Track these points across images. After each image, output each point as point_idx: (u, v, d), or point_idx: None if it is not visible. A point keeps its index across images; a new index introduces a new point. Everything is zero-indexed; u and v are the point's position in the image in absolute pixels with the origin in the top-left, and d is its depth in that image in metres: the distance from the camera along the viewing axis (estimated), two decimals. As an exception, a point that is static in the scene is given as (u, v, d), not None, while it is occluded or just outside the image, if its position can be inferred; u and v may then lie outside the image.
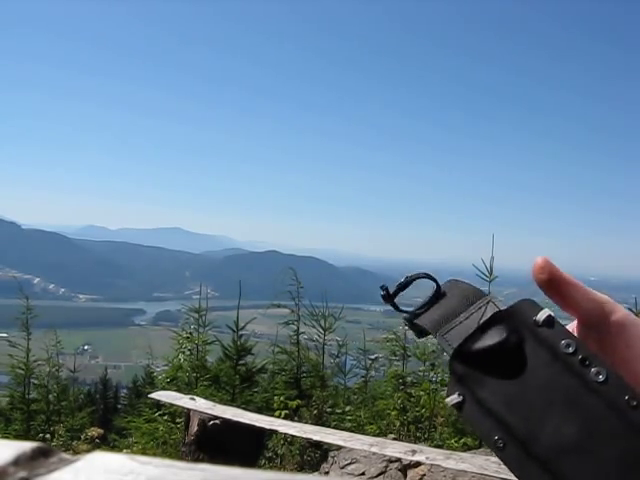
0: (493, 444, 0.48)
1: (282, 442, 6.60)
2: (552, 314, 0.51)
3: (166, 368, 9.10)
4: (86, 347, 69.50)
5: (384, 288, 0.59)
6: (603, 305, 0.52)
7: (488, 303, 0.53)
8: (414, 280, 0.59)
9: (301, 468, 6.28)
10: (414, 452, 3.83)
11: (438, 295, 0.57)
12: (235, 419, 4.87)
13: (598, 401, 0.47)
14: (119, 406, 15.91)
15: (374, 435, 6.13)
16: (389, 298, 0.58)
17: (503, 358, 0.50)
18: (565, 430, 0.47)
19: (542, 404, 0.48)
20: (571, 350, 0.49)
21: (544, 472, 0.47)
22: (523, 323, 0.51)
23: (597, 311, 0.52)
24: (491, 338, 0.51)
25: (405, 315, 0.58)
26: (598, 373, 0.47)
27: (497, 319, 0.52)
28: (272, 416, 5.93)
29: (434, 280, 0.57)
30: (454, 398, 0.51)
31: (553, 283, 0.52)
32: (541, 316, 0.51)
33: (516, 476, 0.48)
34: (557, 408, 0.48)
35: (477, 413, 0.50)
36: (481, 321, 0.52)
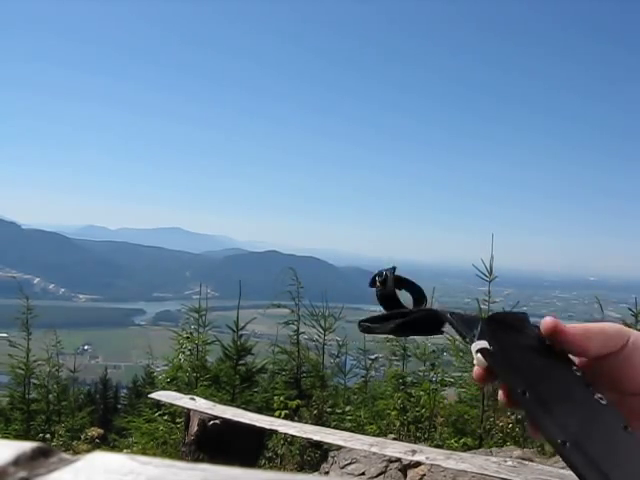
0: (517, 392, 0.51)
1: (282, 442, 6.60)
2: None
3: (166, 368, 9.10)
4: (86, 347, 69.44)
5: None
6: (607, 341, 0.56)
7: None
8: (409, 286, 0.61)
9: (301, 468, 6.28)
10: (414, 452, 3.83)
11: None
12: (235, 419, 4.87)
13: (601, 413, 0.51)
14: (119, 406, 15.91)
15: (374, 435, 6.13)
16: (383, 290, 0.60)
17: (526, 338, 0.55)
18: (574, 418, 0.50)
19: (557, 387, 0.52)
20: (579, 374, 0.54)
21: (560, 426, 0.49)
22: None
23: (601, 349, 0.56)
24: (516, 321, 0.56)
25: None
26: (601, 398, 0.52)
27: (520, 315, 0.57)
28: (272, 416, 5.92)
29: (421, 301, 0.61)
30: (483, 343, 0.53)
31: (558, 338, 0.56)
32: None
33: (536, 423, 0.50)
34: (568, 398, 0.51)
35: (504, 363, 0.53)
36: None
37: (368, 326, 0.61)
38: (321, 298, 8.87)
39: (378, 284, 0.61)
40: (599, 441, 0.48)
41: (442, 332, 0.59)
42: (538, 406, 0.50)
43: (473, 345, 0.53)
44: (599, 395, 0.52)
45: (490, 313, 0.57)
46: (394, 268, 0.61)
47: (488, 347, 0.53)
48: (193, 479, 0.40)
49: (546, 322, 0.56)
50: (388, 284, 0.60)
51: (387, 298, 0.60)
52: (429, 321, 0.58)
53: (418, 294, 0.61)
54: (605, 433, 0.49)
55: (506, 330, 0.55)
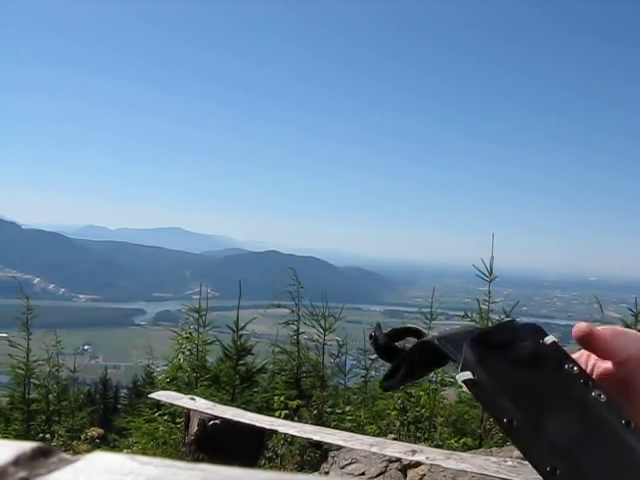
0: (503, 422, 0.50)
1: (282, 442, 6.60)
2: (557, 340, 0.55)
3: (166, 368, 9.10)
4: (86, 347, 69.49)
5: (372, 336, 0.60)
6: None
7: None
8: (402, 333, 0.60)
9: (301, 468, 6.28)
10: (414, 452, 3.83)
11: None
12: (235, 419, 4.87)
13: (601, 414, 0.49)
14: (119, 406, 15.92)
15: (374, 435, 6.13)
16: (379, 348, 0.60)
17: (515, 352, 0.53)
18: (569, 426, 0.49)
19: (550, 397, 0.50)
20: (575, 371, 0.52)
21: (551, 450, 0.48)
22: (531, 338, 0.55)
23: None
24: (504, 335, 0.54)
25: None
26: (600, 395, 0.51)
27: (508, 327, 0.55)
28: (272, 416, 5.93)
29: (419, 335, 0.59)
30: (466, 374, 0.52)
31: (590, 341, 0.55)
32: (547, 340, 0.55)
33: (523, 453, 0.49)
34: (563, 405, 0.50)
35: (488, 392, 0.51)
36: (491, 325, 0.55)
37: (389, 385, 0.60)
38: (321, 298, 8.87)
39: (372, 345, 0.61)
40: (595, 454, 0.47)
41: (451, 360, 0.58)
42: (526, 433, 0.49)
43: (457, 377, 0.52)
44: (597, 392, 0.50)
45: (477, 332, 0.55)
46: (378, 324, 0.62)
47: (472, 377, 0.52)
48: (193, 479, 0.40)
49: (580, 328, 0.54)
50: (379, 341, 0.60)
51: (384, 353, 0.60)
52: (428, 352, 0.57)
53: (416, 334, 0.60)
54: (602, 439, 0.48)
55: (494, 349, 0.53)
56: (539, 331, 0.55)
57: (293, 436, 5.39)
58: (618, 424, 0.49)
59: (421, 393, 7.44)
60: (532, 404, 0.50)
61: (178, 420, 7.25)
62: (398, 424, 7.26)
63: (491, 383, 0.51)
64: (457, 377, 0.53)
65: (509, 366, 0.52)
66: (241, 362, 8.44)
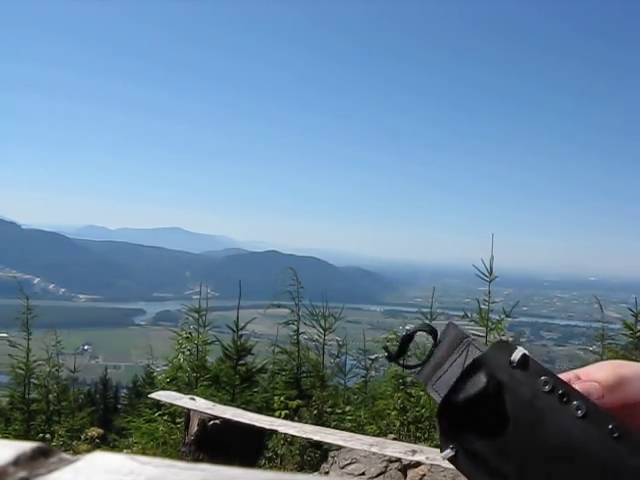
0: None
1: (282, 442, 6.60)
2: (526, 352, 0.52)
3: (166, 368, 9.10)
4: (86, 347, 69.46)
5: (386, 348, 0.62)
6: None
7: (468, 346, 0.55)
8: (415, 334, 0.62)
9: (301, 468, 6.27)
10: (414, 452, 3.83)
11: (436, 345, 0.60)
12: (235, 419, 4.87)
13: (582, 435, 0.48)
14: (119, 406, 15.90)
15: (374, 435, 6.13)
16: (394, 359, 0.60)
17: (486, 407, 0.51)
18: (556, 469, 0.47)
19: (530, 447, 0.49)
20: (548, 388, 0.50)
21: None
22: (500, 367, 0.52)
23: None
24: (472, 387, 0.53)
25: (414, 373, 0.61)
26: (578, 408, 0.48)
27: (477, 365, 0.53)
28: (272, 416, 5.93)
29: (433, 333, 0.59)
30: (448, 452, 0.52)
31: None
32: (515, 356, 0.52)
33: None
34: (545, 449, 0.48)
35: (471, 465, 0.51)
36: (463, 367, 0.54)
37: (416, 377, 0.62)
38: (321, 298, 8.87)
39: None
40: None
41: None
42: None
43: (441, 455, 0.52)
44: (575, 405, 0.48)
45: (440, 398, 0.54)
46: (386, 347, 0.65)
47: (452, 454, 0.51)
48: (193, 479, 0.40)
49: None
50: (393, 357, 0.64)
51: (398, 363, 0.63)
52: None
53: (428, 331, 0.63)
54: (590, 475, 0.46)
55: (463, 410, 0.52)
56: (506, 349, 0.53)
57: (293, 436, 5.39)
58: (603, 438, 0.47)
59: (421, 393, 7.44)
60: (514, 461, 0.49)
61: (178, 420, 7.25)
62: (398, 424, 7.26)
63: (465, 457, 0.51)
64: (441, 457, 0.53)
65: (483, 426, 0.51)
66: (241, 362, 8.44)
